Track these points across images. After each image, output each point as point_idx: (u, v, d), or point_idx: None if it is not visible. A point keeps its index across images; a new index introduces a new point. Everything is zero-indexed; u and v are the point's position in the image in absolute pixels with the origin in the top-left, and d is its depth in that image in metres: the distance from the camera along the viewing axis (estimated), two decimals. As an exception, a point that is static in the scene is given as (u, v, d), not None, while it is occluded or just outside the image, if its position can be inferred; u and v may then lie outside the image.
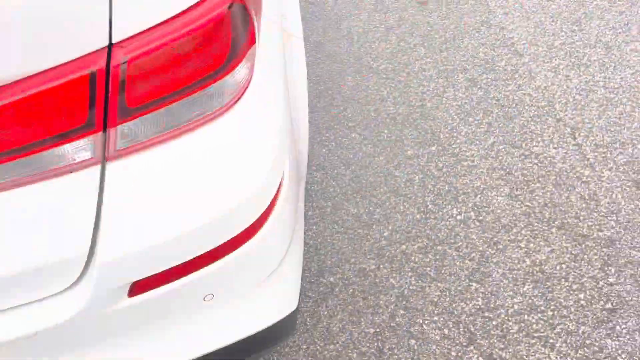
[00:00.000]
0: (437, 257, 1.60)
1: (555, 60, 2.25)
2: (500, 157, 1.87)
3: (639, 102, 2.03)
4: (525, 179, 1.80)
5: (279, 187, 0.87)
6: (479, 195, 1.76)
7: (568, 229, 1.64)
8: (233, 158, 0.76)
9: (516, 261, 1.57)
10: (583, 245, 1.60)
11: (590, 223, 1.65)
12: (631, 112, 2.00)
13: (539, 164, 1.84)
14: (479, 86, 2.16)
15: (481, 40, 2.39)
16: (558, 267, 1.55)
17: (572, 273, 1.54)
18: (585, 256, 1.57)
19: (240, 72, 0.72)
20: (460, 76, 2.21)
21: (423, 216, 1.71)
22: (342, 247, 1.64)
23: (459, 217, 1.70)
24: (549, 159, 1.86)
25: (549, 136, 1.94)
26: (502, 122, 2.00)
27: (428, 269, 1.57)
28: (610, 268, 1.54)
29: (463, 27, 2.47)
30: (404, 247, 1.63)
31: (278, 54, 0.92)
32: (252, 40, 0.73)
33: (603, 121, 1.98)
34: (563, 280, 1.53)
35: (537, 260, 1.57)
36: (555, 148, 1.89)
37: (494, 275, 1.55)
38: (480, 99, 2.10)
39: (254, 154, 0.78)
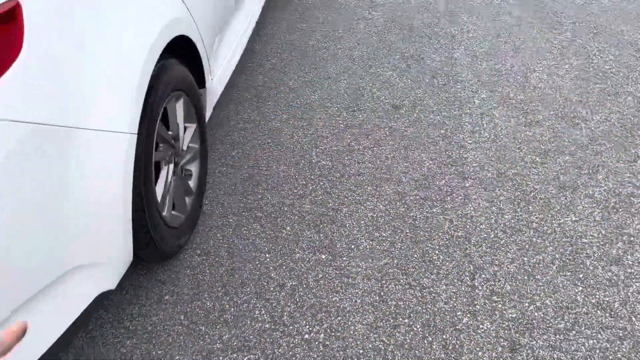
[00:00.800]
0: (261, 374, 1.51)
1: (498, 190, 2.12)
2: (383, 282, 1.77)
3: (563, 253, 1.85)
4: (397, 311, 1.67)
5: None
6: (339, 318, 1.66)
7: (410, 379, 1.49)
8: None
9: (336, 400, 1.45)
10: (416, 402, 1.44)
11: (437, 378, 1.49)
12: (550, 263, 1.82)
13: (420, 298, 1.71)
14: (403, 202, 2.08)
15: (432, 155, 2.31)
16: (376, 419, 1.41)
17: None
18: (412, 415, 1.41)
19: None
20: (390, 188, 2.14)
21: (272, 327, 1.64)
22: (175, 342, 1.60)
23: (306, 337, 1.61)
24: (433, 295, 1.72)
25: (446, 271, 1.80)
26: (407, 244, 1.90)
27: (244, 384, 1.49)
28: None
29: (422, 138, 2.41)
30: (234, 355, 1.56)
31: None
32: None
33: (514, 267, 1.81)
34: None
35: (358, 406, 1.43)
36: (446, 285, 1.75)
37: (304, 410, 1.43)
38: (397, 216, 2.01)
39: None
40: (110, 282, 1.36)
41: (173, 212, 1.77)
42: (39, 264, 1.09)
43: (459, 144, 2.37)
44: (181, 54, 1.81)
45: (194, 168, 1.95)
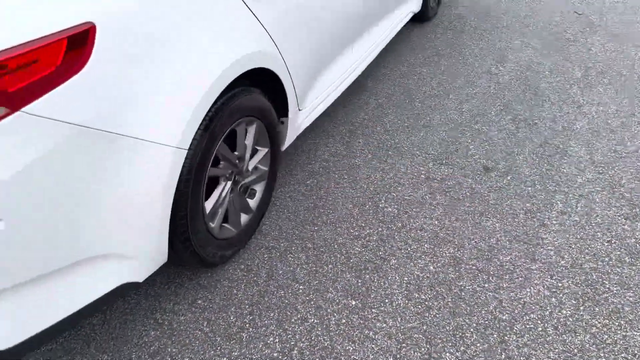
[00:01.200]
0: (251, 399, 1.56)
1: (567, 281, 1.94)
2: (404, 345, 1.71)
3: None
4: (405, 379, 1.62)
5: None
6: (345, 368, 1.65)
7: None
8: None
9: None
10: None
11: None
12: (595, 377, 1.62)
13: (434, 373, 1.63)
14: (457, 268, 1.99)
15: (507, 227, 2.18)
16: None
17: None
18: None
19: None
20: (449, 251, 2.07)
21: (279, 357, 1.68)
22: (190, 345, 1.71)
23: (307, 377, 1.62)
24: (449, 373, 1.63)
25: (474, 352, 1.69)
26: (443, 313, 1.82)
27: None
28: None
29: (503, 207, 2.29)
30: (236, 373, 1.63)
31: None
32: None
33: (551, 369, 1.65)
34: None
35: None
36: (467, 367, 1.65)
37: None
38: (444, 281, 1.94)
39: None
40: (137, 275, 1.51)
41: (224, 225, 1.90)
42: (66, 244, 1.26)
43: (541, 222, 2.21)
44: (266, 81, 1.95)
45: (259, 188, 2.07)
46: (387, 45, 3.78)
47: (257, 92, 1.82)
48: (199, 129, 1.53)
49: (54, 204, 1.19)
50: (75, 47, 1.16)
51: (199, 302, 1.85)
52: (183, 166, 1.50)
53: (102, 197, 1.30)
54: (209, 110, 1.56)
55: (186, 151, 1.48)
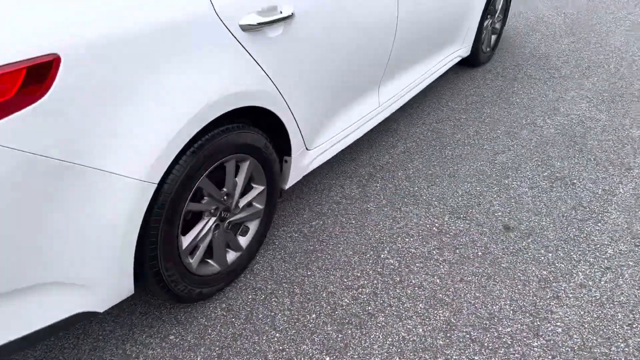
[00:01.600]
0: None
1: (570, 366, 1.74)
2: (368, 413, 1.59)
3: None
4: None
5: None
6: None
7: None
8: None
9: None
10: None
11: None
12: None
13: None
14: (448, 335, 1.84)
15: (515, 295, 2.01)
16: None
17: None
18: None
19: None
20: (444, 314, 1.92)
21: (236, 407, 1.60)
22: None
23: None
24: None
25: None
26: (420, 384, 1.68)
27: None
28: None
29: (516, 272, 2.12)
30: (187, 418, 1.57)
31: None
32: None
33: None
34: None
35: None
36: None
37: None
38: (431, 347, 1.79)
39: None
40: (96, 305, 1.50)
41: (208, 261, 1.87)
42: (16, 269, 1.27)
43: (555, 294, 2.01)
44: (269, 119, 1.93)
45: (252, 227, 2.03)
46: (428, 88, 3.68)
47: (249, 130, 1.80)
48: (176, 163, 1.52)
49: (2, 229, 1.21)
50: (36, 77, 1.18)
51: (171, 337, 1.82)
52: (152, 200, 1.49)
53: (55, 226, 1.31)
54: (187, 147, 1.55)
55: (155, 185, 1.47)
